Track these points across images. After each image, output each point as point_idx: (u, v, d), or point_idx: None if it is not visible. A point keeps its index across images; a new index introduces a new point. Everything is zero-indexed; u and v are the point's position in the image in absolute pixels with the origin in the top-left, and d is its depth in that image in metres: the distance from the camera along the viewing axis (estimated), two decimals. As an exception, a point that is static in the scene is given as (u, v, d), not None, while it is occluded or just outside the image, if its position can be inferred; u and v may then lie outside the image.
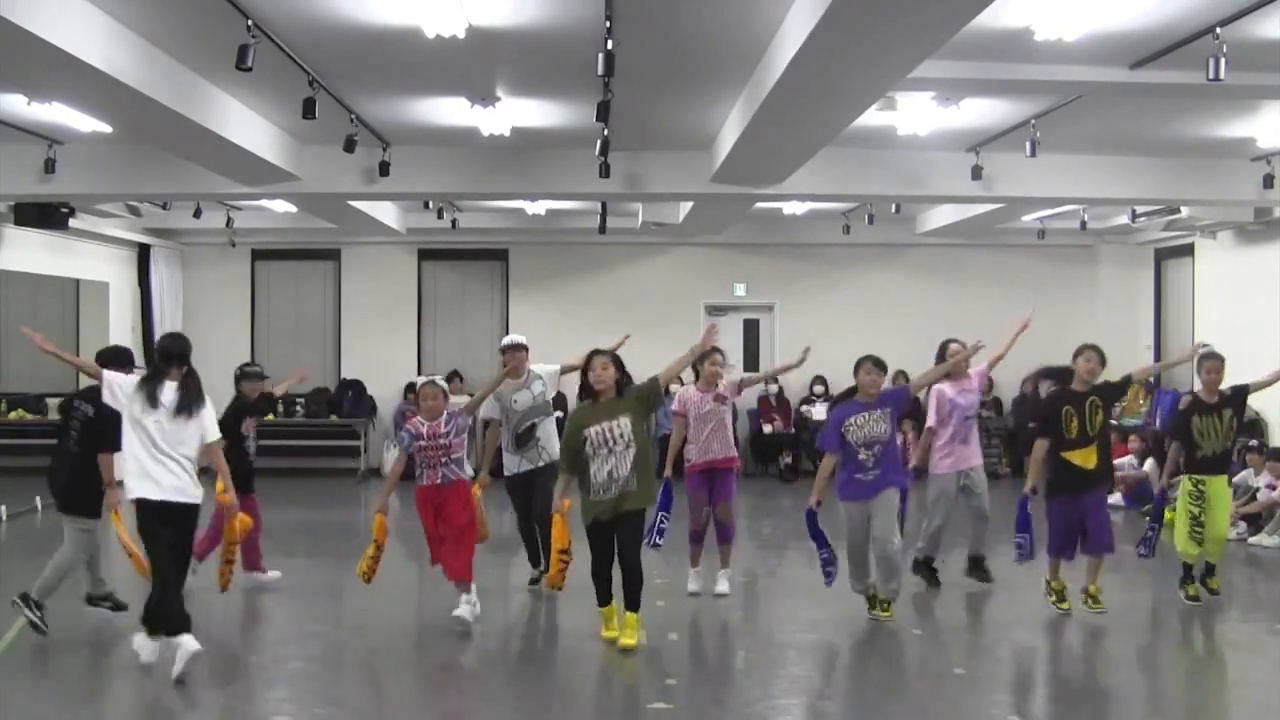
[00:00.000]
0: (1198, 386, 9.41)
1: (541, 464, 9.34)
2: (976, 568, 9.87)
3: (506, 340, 9.62)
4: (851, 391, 8.55)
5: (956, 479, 9.68)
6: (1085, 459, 8.61)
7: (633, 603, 7.86)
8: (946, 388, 9.71)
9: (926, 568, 9.80)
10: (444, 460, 8.30)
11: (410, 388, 18.59)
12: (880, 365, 8.48)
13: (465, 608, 8.40)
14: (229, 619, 9.03)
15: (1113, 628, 8.61)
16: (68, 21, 7.08)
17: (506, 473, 9.55)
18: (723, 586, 9.49)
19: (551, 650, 8.40)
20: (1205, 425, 9.04)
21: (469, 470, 8.51)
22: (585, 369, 7.93)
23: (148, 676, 7.17)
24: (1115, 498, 15.05)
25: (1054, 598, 8.84)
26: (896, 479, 8.47)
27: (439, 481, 8.32)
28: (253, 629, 9.01)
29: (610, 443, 7.75)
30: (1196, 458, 9.04)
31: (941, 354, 9.80)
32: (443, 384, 8.48)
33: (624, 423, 7.77)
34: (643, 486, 7.83)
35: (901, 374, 17.97)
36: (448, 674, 7.72)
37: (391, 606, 9.38)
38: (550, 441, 9.39)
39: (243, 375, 10.20)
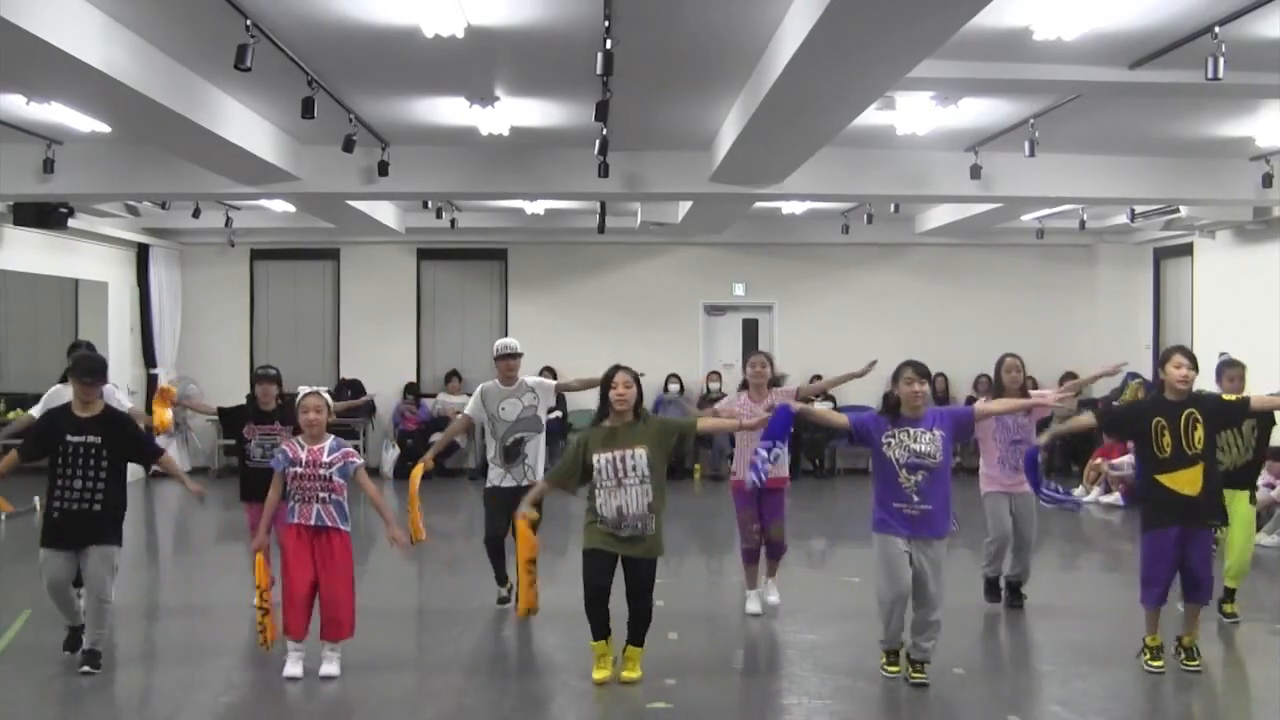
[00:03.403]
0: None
1: (527, 483, 8.85)
2: (1014, 595, 9.32)
3: (501, 348, 9.20)
4: (896, 404, 7.27)
5: (1005, 499, 9.04)
6: (1188, 484, 7.24)
7: (637, 638, 7.31)
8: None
9: (993, 588, 9.34)
10: (322, 495, 7.32)
11: (410, 388, 18.64)
12: (923, 373, 7.24)
13: (331, 663, 7.47)
14: (207, 630, 9.02)
15: (1111, 626, 8.60)
16: (66, 21, 7.07)
17: (489, 484, 9.09)
18: (773, 597, 9.20)
19: (547, 652, 8.38)
20: (1226, 438, 8.50)
21: (346, 524, 7.51)
22: (606, 385, 7.17)
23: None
24: (1114, 497, 15.08)
25: (1147, 655, 7.57)
26: (946, 522, 7.20)
27: (313, 522, 7.32)
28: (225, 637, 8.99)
29: (621, 474, 7.03)
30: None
31: (998, 369, 9.19)
32: (328, 397, 7.52)
33: (639, 454, 7.04)
34: (657, 533, 7.11)
35: (940, 376, 17.97)
36: (444, 676, 7.72)
37: (381, 604, 9.37)
38: (539, 461, 9.03)
39: (254, 378, 9.68)
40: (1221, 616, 8.94)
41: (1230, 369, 8.83)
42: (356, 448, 18.04)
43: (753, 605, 9.11)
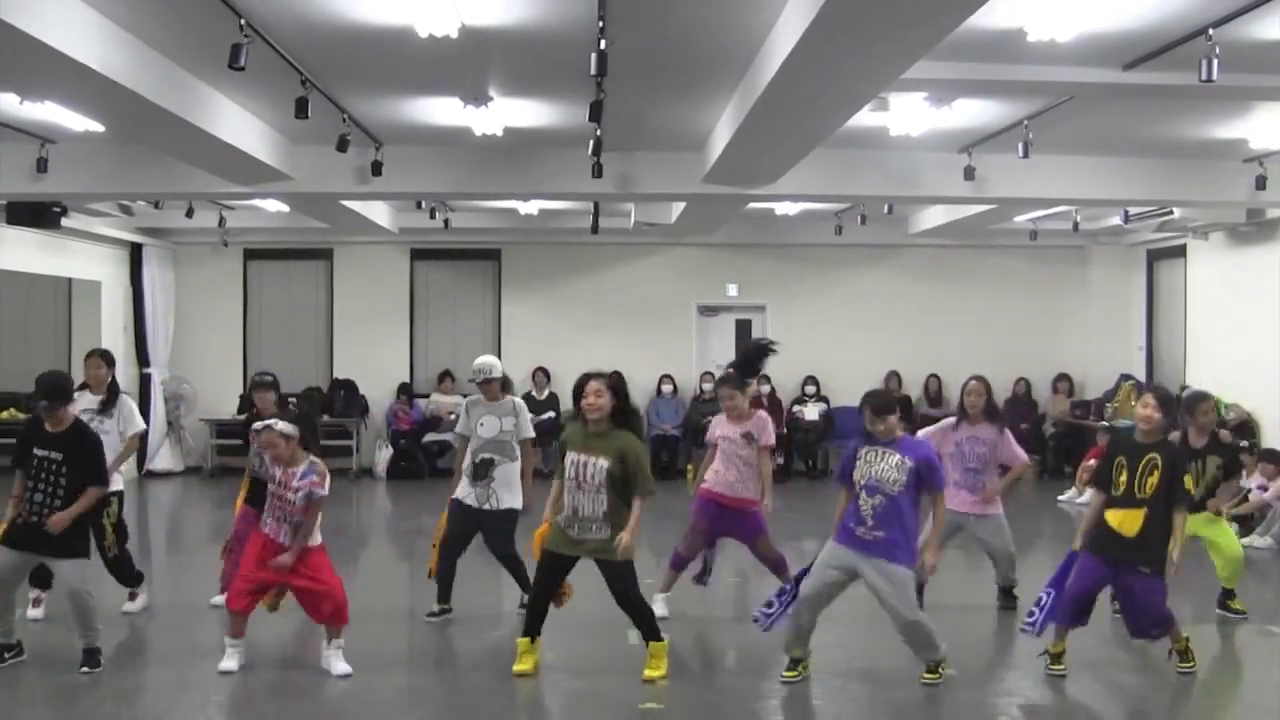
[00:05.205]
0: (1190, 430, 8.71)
1: (488, 507, 8.63)
2: (1004, 597, 9.29)
3: (475, 373, 8.96)
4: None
5: (954, 518, 8.72)
6: (1125, 523, 7.19)
7: (650, 633, 7.38)
8: (953, 430, 9.06)
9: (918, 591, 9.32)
10: (286, 516, 7.37)
11: (403, 388, 18.62)
12: (882, 408, 7.08)
13: (339, 660, 7.49)
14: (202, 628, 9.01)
15: (1101, 628, 8.61)
16: (61, 20, 7.07)
17: (455, 494, 8.78)
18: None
19: (539, 651, 8.38)
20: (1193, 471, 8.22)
21: (314, 540, 7.45)
22: (578, 394, 7.21)
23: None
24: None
25: (1050, 660, 7.55)
26: (906, 554, 6.97)
27: (280, 539, 7.37)
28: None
29: (581, 478, 7.10)
30: None
31: (961, 392, 9.14)
32: (283, 427, 7.41)
33: (600, 464, 7.06)
34: (616, 535, 7.09)
35: (934, 377, 18.07)
36: (434, 676, 7.72)
37: (371, 605, 9.37)
38: (505, 489, 8.65)
39: (251, 385, 9.69)
40: (1227, 613, 9.03)
41: (1201, 403, 8.74)
42: (349, 448, 18.08)
43: (660, 609, 8.60)
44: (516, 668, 7.42)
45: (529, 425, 8.96)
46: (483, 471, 8.67)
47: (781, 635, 7.39)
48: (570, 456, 7.20)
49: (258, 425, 7.61)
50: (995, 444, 8.98)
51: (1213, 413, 8.80)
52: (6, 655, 7.57)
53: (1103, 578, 7.37)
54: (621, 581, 7.25)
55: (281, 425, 7.43)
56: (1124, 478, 7.25)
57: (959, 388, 9.32)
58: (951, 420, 9.20)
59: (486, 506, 8.65)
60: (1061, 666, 7.51)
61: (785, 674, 7.34)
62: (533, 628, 7.45)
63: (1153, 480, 7.15)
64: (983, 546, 9.20)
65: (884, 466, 6.99)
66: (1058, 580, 7.56)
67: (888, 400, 7.24)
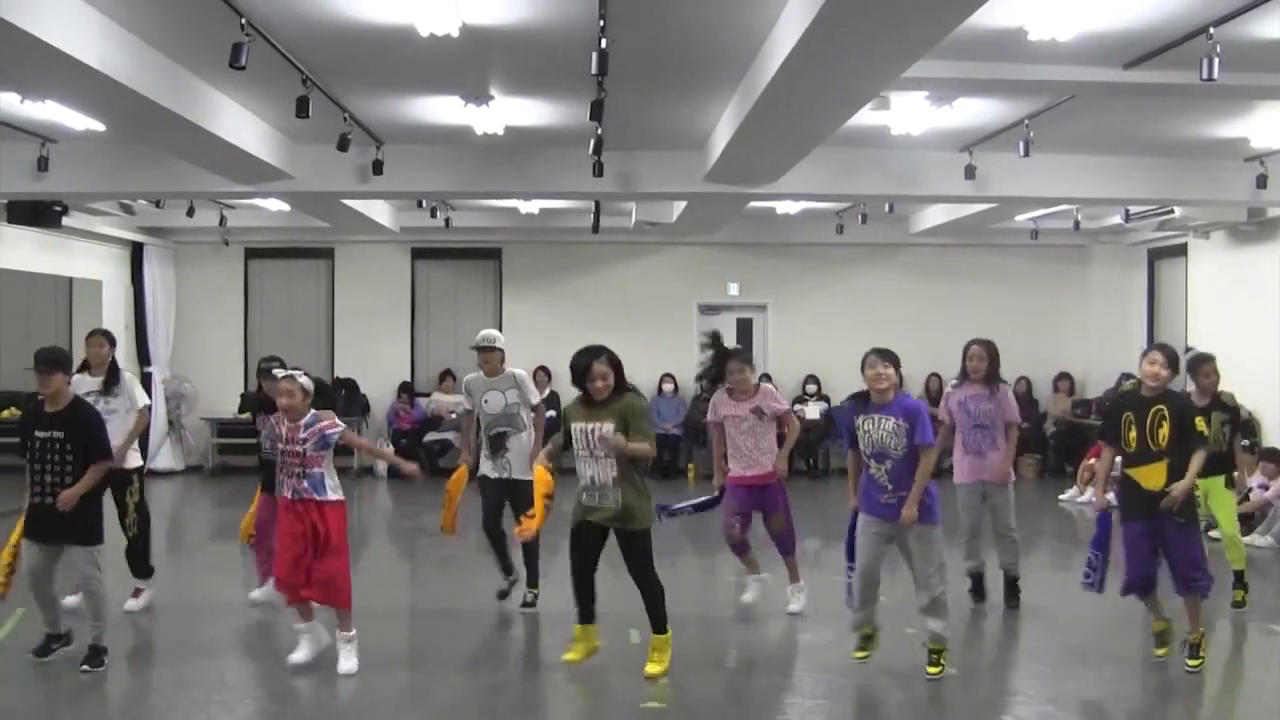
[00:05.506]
0: (1190, 388, 8.98)
1: (511, 477, 8.81)
2: (1009, 591, 9.25)
3: (476, 340, 9.27)
4: (866, 391, 7.30)
5: (976, 489, 9.06)
6: (1149, 478, 7.28)
7: (656, 623, 7.31)
8: (954, 391, 9.26)
9: (978, 584, 9.27)
10: (299, 470, 7.38)
11: (404, 387, 18.63)
12: (885, 355, 7.16)
13: (348, 658, 7.45)
14: (216, 626, 9.01)
15: (1104, 627, 8.60)
16: (61, 19, 7.07)
17: (480, 472, 9.00)
18: (794, 605, 8.87)
19: (542, 651, 8.37)
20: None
21: (333, 493, 7.52)
22: (583, 377, 7.13)
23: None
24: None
25: (1155, 642, 7.69)
26: (929, 512, 7.13)
27: (289, 495, 7.39)
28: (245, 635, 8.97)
29: (591, 445, 7.11)
30: None
31: (963, 356, 9.22)
32: (304, 381, 7.45)
33: (607, 429, 7.06)
34: (628, 505, 7.13)
35: (934, 376, 18.06)
36: (438, 675, 7.71)
37: (375, 603, 9.36)
38: (520, 460, 8.82)
39: (259, 373, 9.68)
40: (1233, 602, 9.03)
41: (1204, 364, 8.87)
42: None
43: (748, 594, 8.99)
44: (566, 656, 7.38)
45: (534, 392, 9.14)
46: (498, 444, 8.87)
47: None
48: (577, 427, 7.19)
49: (279, 371, 7.66)
50: (1001, 401, 9.08)
51: (1215, 374, 8.86)
52: (54, 646, 7.61)
53: (1149, 541, 7.39)
54: (638, 553, 7.25)
55: (303, 379, 7.51)
56: (1134, 434, 7.32)
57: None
58: (953, 383, 9.38)
59: (509, 477, 8.80)
60: (1163, 651, 7.61)
61: (855, 653, 7.46)
62: (586, 611, 7.38)
63: (1164, 431, 7.23)
64: (991, 516, 9.14)
65: (882, 433, 7.13)
66: (1098, 540, 7.72)
67: (892, 352, 7.26)
